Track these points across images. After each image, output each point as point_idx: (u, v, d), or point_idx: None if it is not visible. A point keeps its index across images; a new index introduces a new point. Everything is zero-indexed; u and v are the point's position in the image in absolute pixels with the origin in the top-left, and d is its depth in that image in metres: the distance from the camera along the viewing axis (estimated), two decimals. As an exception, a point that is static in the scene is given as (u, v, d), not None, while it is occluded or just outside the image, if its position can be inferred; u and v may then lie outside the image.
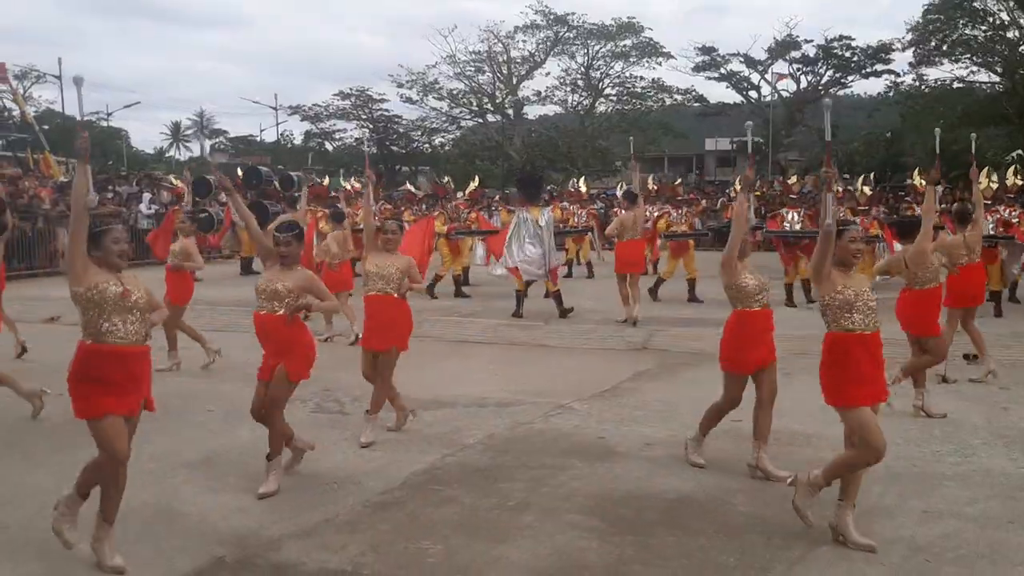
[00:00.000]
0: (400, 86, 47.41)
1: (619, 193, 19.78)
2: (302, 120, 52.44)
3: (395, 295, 6.32)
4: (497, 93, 48.86)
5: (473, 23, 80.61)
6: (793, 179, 19.55)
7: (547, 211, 12.74)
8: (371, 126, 50.88)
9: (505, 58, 47.51)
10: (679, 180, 26.26)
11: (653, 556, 4.42)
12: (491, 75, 48.26)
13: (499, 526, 4.82)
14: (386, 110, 50.47)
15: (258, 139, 56.78)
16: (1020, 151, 40.06)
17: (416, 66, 48.39)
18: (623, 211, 12.78)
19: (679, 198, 16.41)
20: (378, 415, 6.44)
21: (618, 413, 7.28)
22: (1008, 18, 32.30)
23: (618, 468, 5.82)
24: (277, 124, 54.22)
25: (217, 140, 64.25)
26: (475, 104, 49.47)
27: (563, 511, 5.02)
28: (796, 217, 13.68)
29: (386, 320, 6.36)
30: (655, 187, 19.41)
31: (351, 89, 49.57)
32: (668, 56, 47.23)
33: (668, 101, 49.63)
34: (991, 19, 32.91)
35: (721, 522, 4.86)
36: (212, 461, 5.97)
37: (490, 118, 50.27)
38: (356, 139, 49.00)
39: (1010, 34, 33.31)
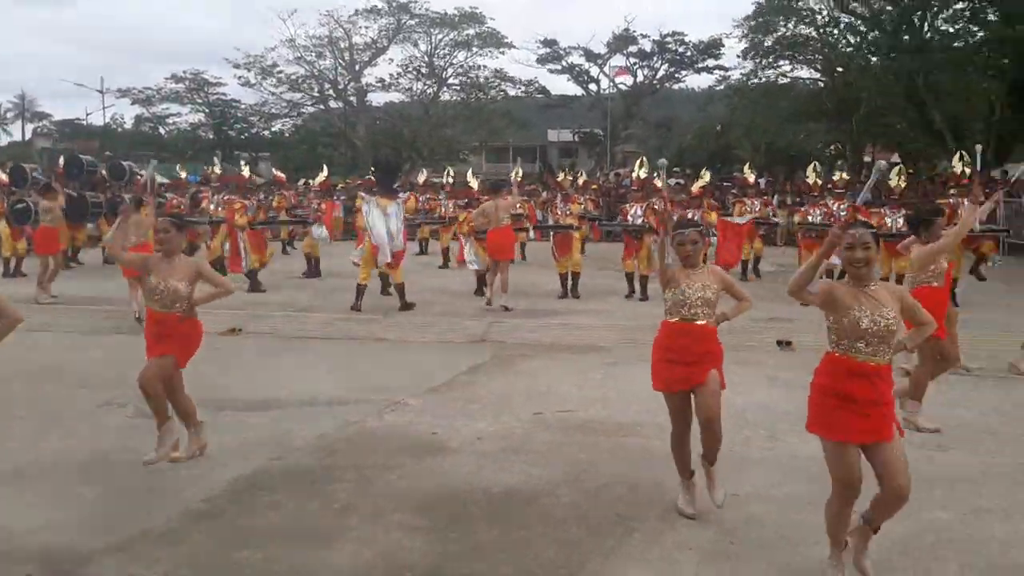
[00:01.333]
0: (237, 67, 45.93)
1: (512, 179, 19.78)
2: (132, 103, 50.01)
3: (179, 314, 5.59)
4: (339, 79, 48.04)
5: (313, 7, 78.74)
6: (635, 173, 19.95)
7: (398, 202, 12.62)
8: (207, 110, 49.08)
9: (347, 44, 46.75)
10: (577, 172, 26.22)
11: (476, 552, 4.48)
12: (333, 61, 47.41)
13: (323, 530, 4.76)
14: (223, 94, 48.84)
15: (84, 123, 53.54)
16: (839, 144, 42.89)
17: (254, 49, 46.99)
18: (485, 200, 13.13)
19: (564, 191, 16.40)
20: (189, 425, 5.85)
21: (452, 407, 7.32)
22: (828, 17, 34.28)
23: (448, 464, 5.86)
24: (104, 108, 51.45)
25: (40, 124, 60.22)
26: (317, 90, 48.49)
27: (390, 511, 5.01)
28: (639, 211, 14.02)
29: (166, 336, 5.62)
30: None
31: (185, 72, 47.64)
32: (511, 47, 47.81)
33: (511, 92, 50.22)
34: (814, 18, 34.84)
35: (545, 514, 4.97)
36: (21, 472, 5.61)
37: (332, 104, 49.42)
38: (139, 170, 47.08)
39: (830, 34, 35.37)
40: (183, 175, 21.49)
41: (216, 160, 18.51)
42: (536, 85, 50.31)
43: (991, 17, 28.42)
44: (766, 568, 4.31)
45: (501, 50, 47.98)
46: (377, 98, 51.05)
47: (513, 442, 6.29)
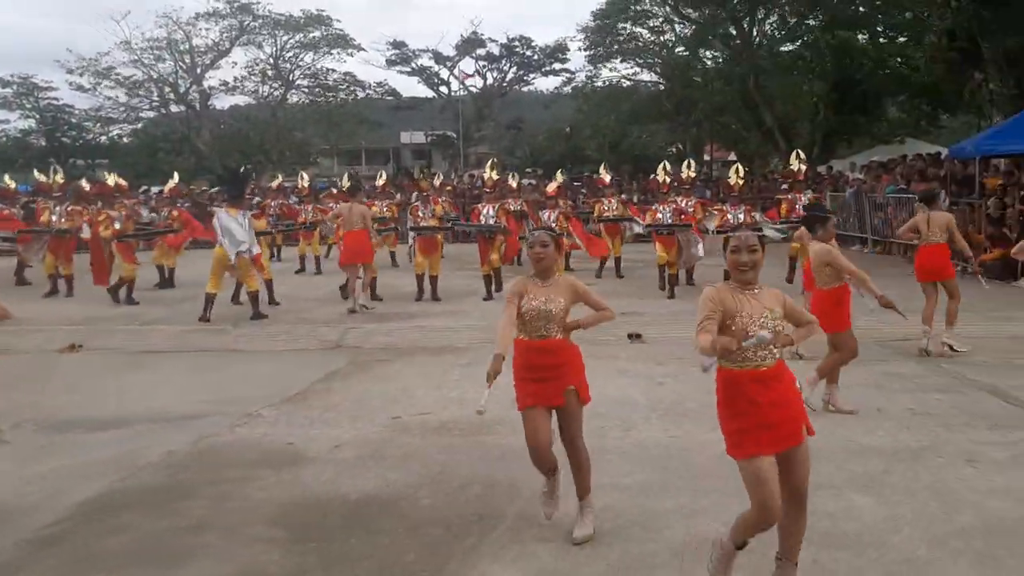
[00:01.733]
0: (70, 72, 43.50)
1: (379, 183, 19.43)
2: (-49, 109, 46.45)
3: None
4: (180, 83, 46.24)
5: (150, 9, 75.32)
6: (487, 174, 20.06)
7: (245, 212, 12.30)
8: (38, 116, 46.26)
9: (187, 46, 45.05)
10: (434, 173, 25.99)
11: (335, 561, 4.46)
12: (173, 64, 45.59)
13: (177, 549, 4.62)
14: (55, 99, 46.09)
15: None
16: (680, 145, 44.65)
17: (88, 52, 44.62)
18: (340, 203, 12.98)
19: (425, 193, 16.23)
20: None
21: (308, 416, 7.22)
22: (665, 22, 35.70)
23: (305, 474, 5.79)
24: (-83, 114, 47.56)
25: None
26: (156, 94, 46.50)
27: (247, 525, 4.91)
28: (491, 211, 14.13)
29: None
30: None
31: (11, 76, 44.73)
32: (359, 48, 47.31)
33: (362, 94, 49.69)
34: (651, 23, 36.20)
35: (404, 518, 4.99)
36: None
37: (174, 108, 47.50)
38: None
39: (666, 37, 36.84)
40: (12, 185, 20.18)
41: (56, 169, 17.43)
42: (386, 87, 50.05)
43: (812, 23, 30.31)
44: (621, 555, 4.47)
45: (349, 52, 47.42)
46: (222, 102, 49.50)
47: (371, 448, 6.28)
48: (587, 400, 4.82)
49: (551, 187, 15.37)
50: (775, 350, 3.80)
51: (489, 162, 15.91)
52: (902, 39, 29.45)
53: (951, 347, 9.02)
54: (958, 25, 18.08)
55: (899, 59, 28.56)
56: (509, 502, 5.18)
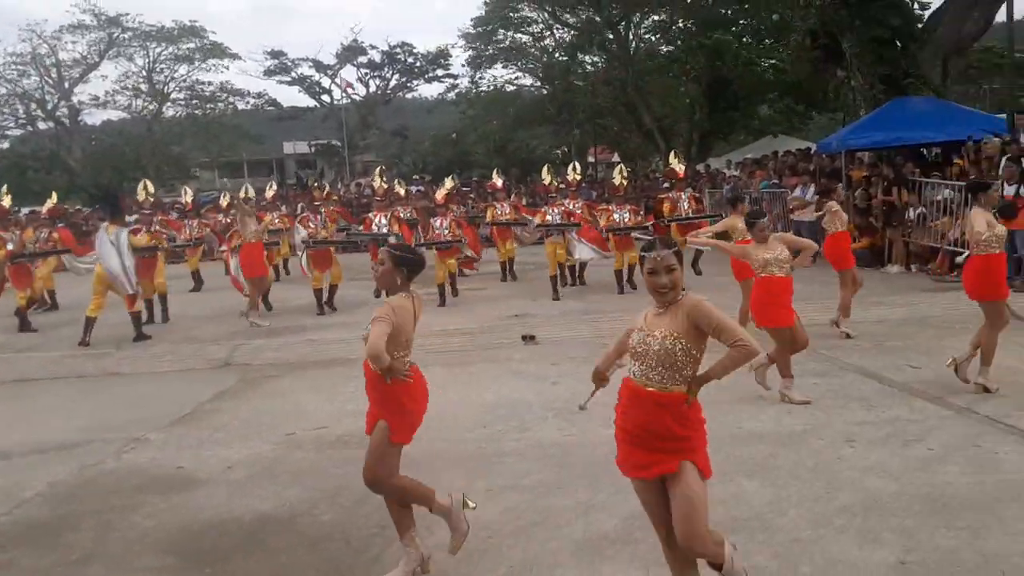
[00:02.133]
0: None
1: (268, 194, 18.87)
2: None
3: None
4: (48, 98, 44.27)
5: (11, 22, 71.90)
6: (377, 182, 19.81)
7: (123, 231, 11.83)
8: None
9: (53, 60, 43.18)
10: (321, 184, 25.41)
11: (234, 584, 4.36)
12: (38, 79, 43.61)
13: (62, 585, 4.44)
14: (-93, 118, 43.55)
15: None
16: (565, 148, 45.29)
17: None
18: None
19: (317, 203, 15.92)
20: None
21: (198, 438, 7.02)
22: (544, 27, 36.19)
23: (197, 498, 5.63)
24: None
25: None
26: (22, 111, 44.39)
27: (135, 555, 4.75)
28: (383, 220, 14.00)
29: None
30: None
31: None
32: (236, 58, 46.33)
33: (241, 105, 48.65)
34: (531, 28, 36.65)
35: (303, 535, 4.91)
36: None
37: (42, 125, 45.47)
38: None
39: (547, 42, 37.36)
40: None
41: None
42: (266, 97, 49.11)
43: (685, 27, 31.29)
44: (522, 556, 4.51)
45: (226, 63, 46.40)
46: (93, 117, 47.75)
47: (265, 466, 6.16)
48: (402, 442, 4.50)
49: (440, 194, 15.28)
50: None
51: (377, 170, 15.83)
52: (769, 41, 30.70)
53: (848, 334, 9.57)
54: (820, 25, 18.92)
55: (767, 60, 29.74)
56: (409, 511, 5.16)
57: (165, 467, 6.30)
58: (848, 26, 17.99)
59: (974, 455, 5.57)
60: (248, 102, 48.71)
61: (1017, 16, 16.42)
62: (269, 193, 19.60)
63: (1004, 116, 15.59)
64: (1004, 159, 12.57)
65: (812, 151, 19.77)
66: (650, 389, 3.48)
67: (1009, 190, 11.83)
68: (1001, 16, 17.37)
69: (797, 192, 16.15)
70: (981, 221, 7.13)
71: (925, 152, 16.96)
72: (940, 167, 15.35)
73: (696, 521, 3.37)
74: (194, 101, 47.86)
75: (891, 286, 12.79)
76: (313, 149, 54.28)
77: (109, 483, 6.02)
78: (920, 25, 18.70)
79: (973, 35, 18.90)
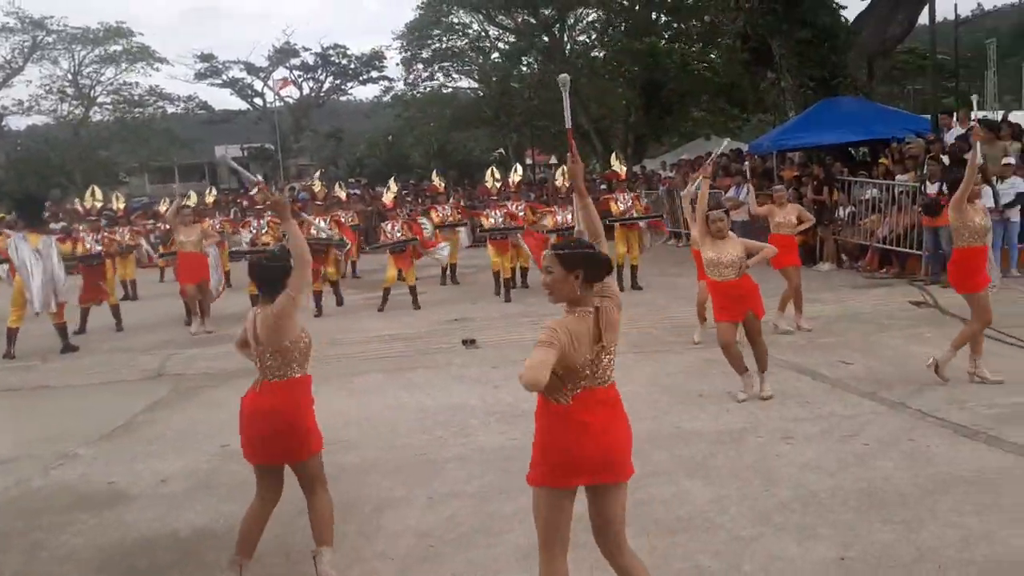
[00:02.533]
0: None
1: (208, 199, 18.38)
2: None
3: None
4: (-31, 104, 42.89)
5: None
6: (318, 185, 19.45)
7: (50, 238, 11.45)
8: None
9: (-26, 65, 41.85)
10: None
11: (169, 602, 4.24)
12: (-42, 83, 42.21)
13: (-13, 610, 4.26)
14: None
15: None
16: (503, 150, 45.35)
17: None
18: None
19: (258, 206, 15.54)
20: None
21: (131, 451, 6.83)
22: (480, 30, 36.15)
23: (130, 513, 5.47)
24: None
25: None
26: (-59, 115, 42.96)
27: (65, 574, 4.59)
28: (323, 224, 13.79)
29: None
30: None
31: None
32: (164, 62, 45.39)
33: (171, 109, 47.70)
34: (466, 31, 36.57)
35: (241, 549, 4.79)
36: None
37: (-36, 131, 44.04)
38: None
39: (483, 44, 37.31)
40: None
41: None
42: (197, 101, 48.23)
43: (618, 30, 31.58)
44: (465, 564, 4.47)
45: (155, 66, 45.41)
46: (17, 123, 46.21)
47: (200, 479, 6.01)
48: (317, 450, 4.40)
49: (388, 198, 15.03)
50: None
51: (316, 173, 15.61)
52: (701, 44, 31.14)
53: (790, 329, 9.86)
54: (749, 27, 19.24)
55: (699, 63, 30.15)
56: (348, 522, 5.06)
57: (96, 483, 6.11)
58: (776, 29, 18.33)
59: (907, 449, 5.70)
60: (178, 106, 47.81)
61: (939, 19, 16.89)
62: (210, 198, 19.20)
63: (928, 116, 16.04)
64: (927, 158, 12.92)
65: (745, 151, 20.09)
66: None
67: (932, 188, 12.15)
68: (924, 19, 17.89)
69: (731, 192, 16.39)
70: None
71: (853, 152, 17.35)
72: (867, 166, 15.72)
73: None
74: (122, 105, 46.73)
75: (823, 283, 13.05)
76: (246, 153, 53.44)
77: (37, 501, 5.82)
78: (846, 28, 19.10)
79: (897, 37, 19.41)
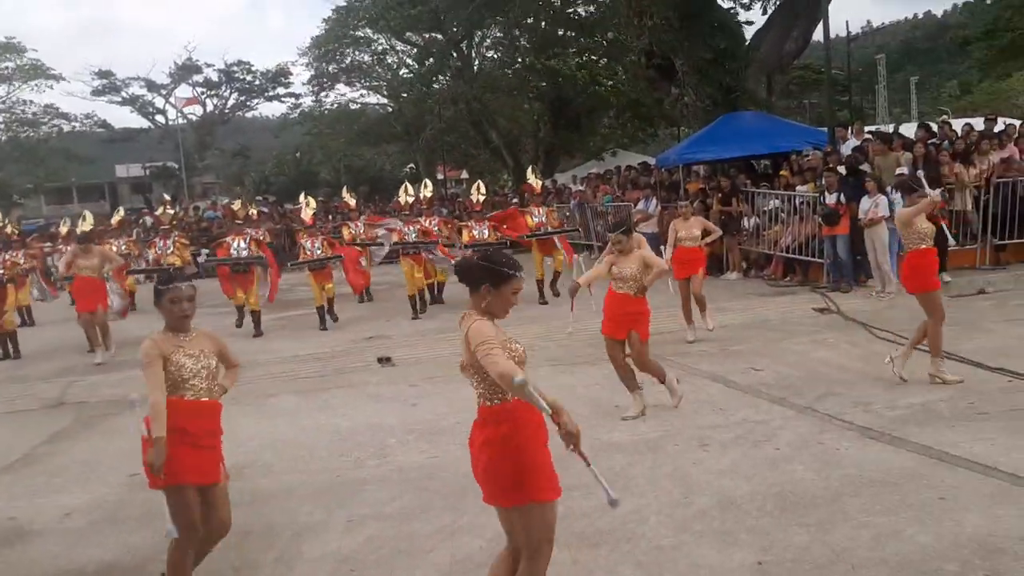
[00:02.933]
0: None
1: (114, 220, 17.65)
2: None
3: None
4: None
5: None
6: (237, 204, 18.91)
7: None
8: None
9: None
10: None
11: (76, 643, 4.05)
12: None
13: None
14: None
15: None
16: (412, 165, 45.16)
17: None
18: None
19: (163, 227, 15.11)
20: None
21: (31, 485, 6.53)
22: (387, 45, 35.96)
23: (32, 550, 5.22)
24: None
25: None
26: None
27: (-37, 620, 4.35)
28: (243, 244, 13.44)
29: None
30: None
31: None
32: (60, 78, 43.80)
33: (67, 127, 46.03)
34: (373, 47, 36.34)
35: (152, 582, 4.63)
36: None
37: None
38: None
39: (390, 60, 37.16)
40: None
41: None
42: (96, 119, 46.67)
43: (524, 46, 31.87)
44: (387, 586, 4.40)
45: (49, 83, 43.78)
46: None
47: (107, 511, 5.78)
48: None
49: (307, 214, 14.69)
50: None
51: (237, 191, 15.29)
52: (606, 60, 31.66)
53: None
54: (653, 44, 19.65)
55: (605, 78, 30.65)
56: (266, 549, 4.95)
57: (-7, 520, 5.81)
58: (679, 46, 18.77)
59: (818, 452, 5.86)
60: (75, 124, 46.16)
61: (832, 36, 17.53)
62: (115, 219, 18.54)
63: (825, 129, 16.61)
64: (825, 169, 13.37)
65: (653, 165, 20.48)
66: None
67: (830, 198, 12.59)
68: (818, 36, 18.53)
69: (640, 205, 16.66)
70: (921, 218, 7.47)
71: (755, 164, 17.85)
72: (769, 178, 16.20)
73: None
74: (15, 124, 44.91)
75: (730, 292, 13.36)
76: (148, 172, 52.02)
77: (-72, 542, 5.50)
78: (745, 46, 19.69)
79: (793, 53, 20.11)
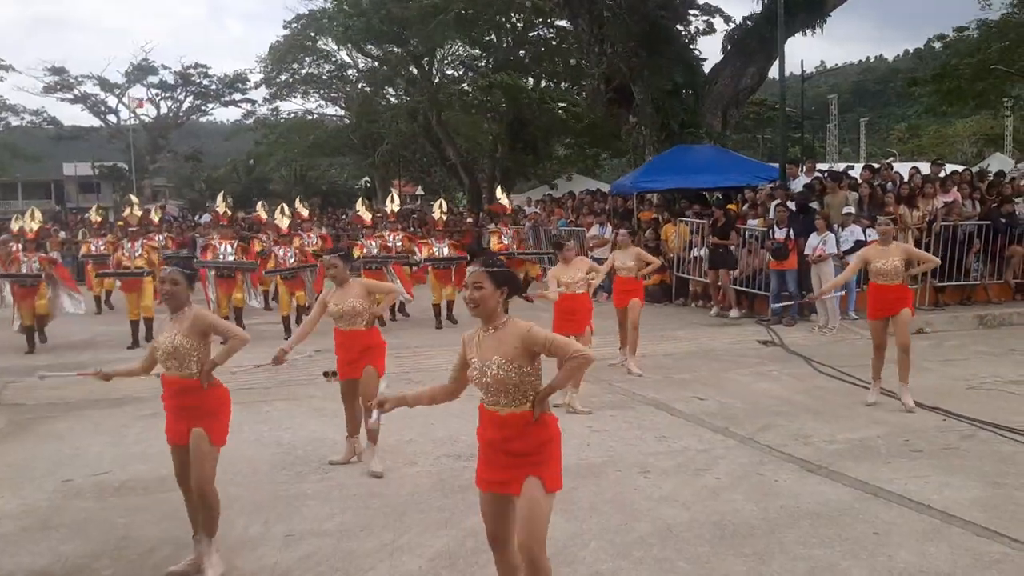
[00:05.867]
0: None
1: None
2: None
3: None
4: None
5: None
6: (222, 207, 18.63)
7: None
8: None
9: None
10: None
11: (0, 653, 3.94)
12: None
13: None
14: None
15: None
16: (368, 179, 45.02)
17: None
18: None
19: (131, 228, 14.66)
20: None
21: (-41, 488, 6.34)
22: (347, 58, 35.90)
23: (-43, 556, 5.07)
24: None
25: None
26: None
27: None
28: (229, 248, 13.21)
29: None
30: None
31: None
32: (11, 69, 42.89)
33: (15, 122, 45.08)
34: (332, 59, 36.22)
35: (82, 593, 4.53)
36: None
37: None
38: None
39: (349, 72, 37.06)
40: None
41: None
42: (45, 115, 45.76)
43: (483, 66, 32.11)
44: (323, 603, 4.36)
45: (-1, 75, 42.87)
46: None
47: (39, 518, 5.63)
48: (219, 443, 4.80)
49: (283, 223, 14.47)
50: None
51: (220, 195, 15.03)
52: (565, 85, 32.01)
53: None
54: (611, 71, 19.90)
55: (562, 103, 30.97)
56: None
57: (-83, 524, 5.63)
58: (638, 75, 19.04)
59: (756, 483, 5.95)
60: (23, 119, 45.22)
61: (787, 73, 17.94)
62: (96, 217, 18.06)
63: (776, 164, 16.93)
64: (774, 204, 13.62)
65: (608, 192, 20.67)
66: (494, 410, 3.62)
67: (779, 233, 12.83)
68: (773, 73, 18.95)
69: (595, 230, 16.81)
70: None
71: (707, 195, 18.13)
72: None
73: (537, 526, 3.51)
74: (-41, 116, 43.97)
75: (678, 321, 13.52)
76: (97, 171, 51.06)
77: None
78: (702, 79, 20.02)
79: (749, 89, 20.53)
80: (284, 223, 14.11)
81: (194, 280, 4.99)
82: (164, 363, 4.68)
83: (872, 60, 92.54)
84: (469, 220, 22.57)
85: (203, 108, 48.24)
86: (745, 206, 15.20)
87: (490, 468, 3.66)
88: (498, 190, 16.01)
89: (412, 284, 13.90)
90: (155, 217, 17.43)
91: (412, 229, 19.09)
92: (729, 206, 15.74)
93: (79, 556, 5.00)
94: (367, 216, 14.75)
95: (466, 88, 32.78)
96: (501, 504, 3.65)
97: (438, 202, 15.91)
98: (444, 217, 15.01)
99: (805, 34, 19.92)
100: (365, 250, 13.67)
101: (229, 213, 14.54)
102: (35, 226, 13.12)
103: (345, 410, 6.82)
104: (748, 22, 20.16)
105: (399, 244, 14.03)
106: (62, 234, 22.79)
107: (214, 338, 4.82)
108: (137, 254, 13.24)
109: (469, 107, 32.29)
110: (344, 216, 27.72)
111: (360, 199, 16.32)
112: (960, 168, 18.96)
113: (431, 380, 9.84)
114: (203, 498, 4.65)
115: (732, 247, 14.22)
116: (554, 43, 31.00)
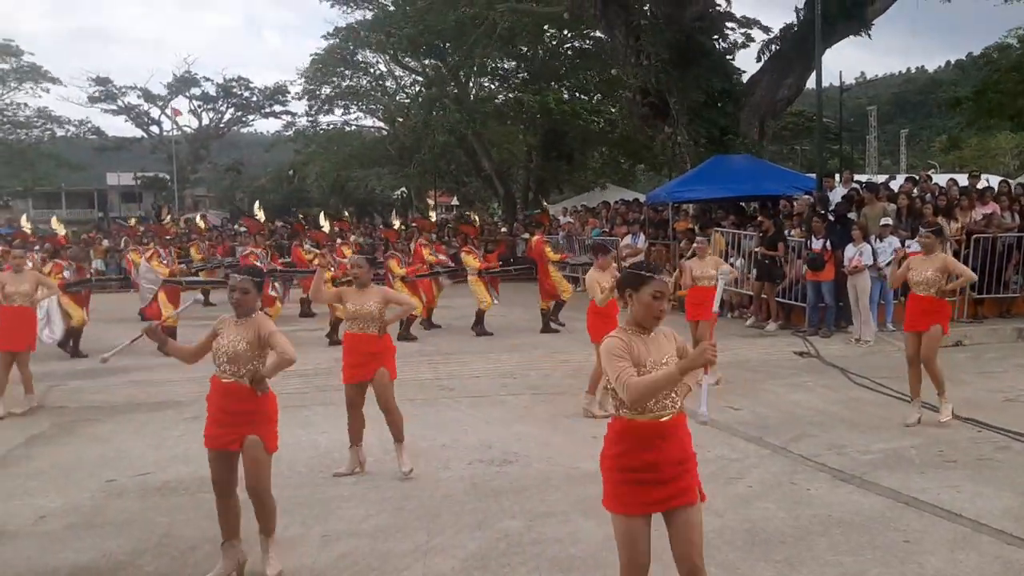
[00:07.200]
0: None
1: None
2: None
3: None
4: None
5: None
6: (261, 216, 18.91)
7: None
8: None
9: None
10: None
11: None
12: None
13: None
14: None
15: None
16: (405, 189, 45.32)
17: None
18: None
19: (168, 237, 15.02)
20: None
21: (7, 487, 6.52)
22: (386, 69, 36.27)
23: (5, 552, 5.22)
24: None
25: None
26: None
27: (-66, 616, 4.37)
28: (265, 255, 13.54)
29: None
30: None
31: None
32: (57, 82, 43.86)
33: (60, 132, 46.04)
34: (372, 71, 36.61)
35: (125, 588, 4.66)
36: None
37: None
38: None
39: (388, 84, 37.44)
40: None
41: None
42: (89, 125, 46.71)
43: (518, 79, 32.33)
44: (359, 602, 4.44)
45: (44, 87, 43.83)
46: None
47: (83, 516, 5.80)
48: (273, 450, 4.81)
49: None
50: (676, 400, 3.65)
51: (255, 204, 15.44)
52: (600, 96, 32.09)
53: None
54: (647, 83, 19.92)
55: (598, 114, 31.04)
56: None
57: (-32, 520, 5.82)
58: (674, 87, 19.05)
59: (789, 492, 5.95)
60: (68, 129, 46.19)
61: (825, 84, 17.87)
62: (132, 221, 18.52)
63: (814, 175, 16.84)
64: (813, 215, 13.56)
65: (643, 202, 20.67)
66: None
67: (817, 244, 12.77)
68: (811, 84, 18.87)
69: (628, 240, 16.83)
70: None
71: (744, 206, 18.07)
72: (756, 221, 16.38)
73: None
74: (6, 126, 44.90)
75: (716, 332, 13.46)
76: (139, 181, 51.99)
77: (-98, 538, 5.50)
78: (739, 90, 19.98)
79: (787, 100, 20.46)
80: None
81: (262, 288, 5.06)
82: (220, 365, 4.74)
83: (913, 71, 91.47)
84: (503, 230, 22.69)
85: (244, 120, 49.00)
86: (782, 216, 15.14)
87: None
88: (542, 201, 16.21)
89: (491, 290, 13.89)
90: (200, 224, 17.71)
91: (445, 239, 19.23)
92: (762, 218, 15.68)
93: (122, 553, 5.14)
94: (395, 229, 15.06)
95: (503, 98, 32.99)
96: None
97: (472, 213, 16.16)
98: (477, 227, 15.22)
99: (854, 37, 19.74)
100: (402, 265, 13.83)
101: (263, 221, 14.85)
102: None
103: (349, 418, 6.85)
104: (789, 32, 20.11)
105: (440, 257, 14.27)
106: (105, 242, 23.23)
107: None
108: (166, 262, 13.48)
109: (504, 117, 32.46)
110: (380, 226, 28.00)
111: (392, 212, 16.56)
112: (999, 180, 18.73)
113: (464, 387, 9.97)
114: (261, 503, 4.74)
115: (778, 257, 14.04)
116: (589, 54, 31.10)
